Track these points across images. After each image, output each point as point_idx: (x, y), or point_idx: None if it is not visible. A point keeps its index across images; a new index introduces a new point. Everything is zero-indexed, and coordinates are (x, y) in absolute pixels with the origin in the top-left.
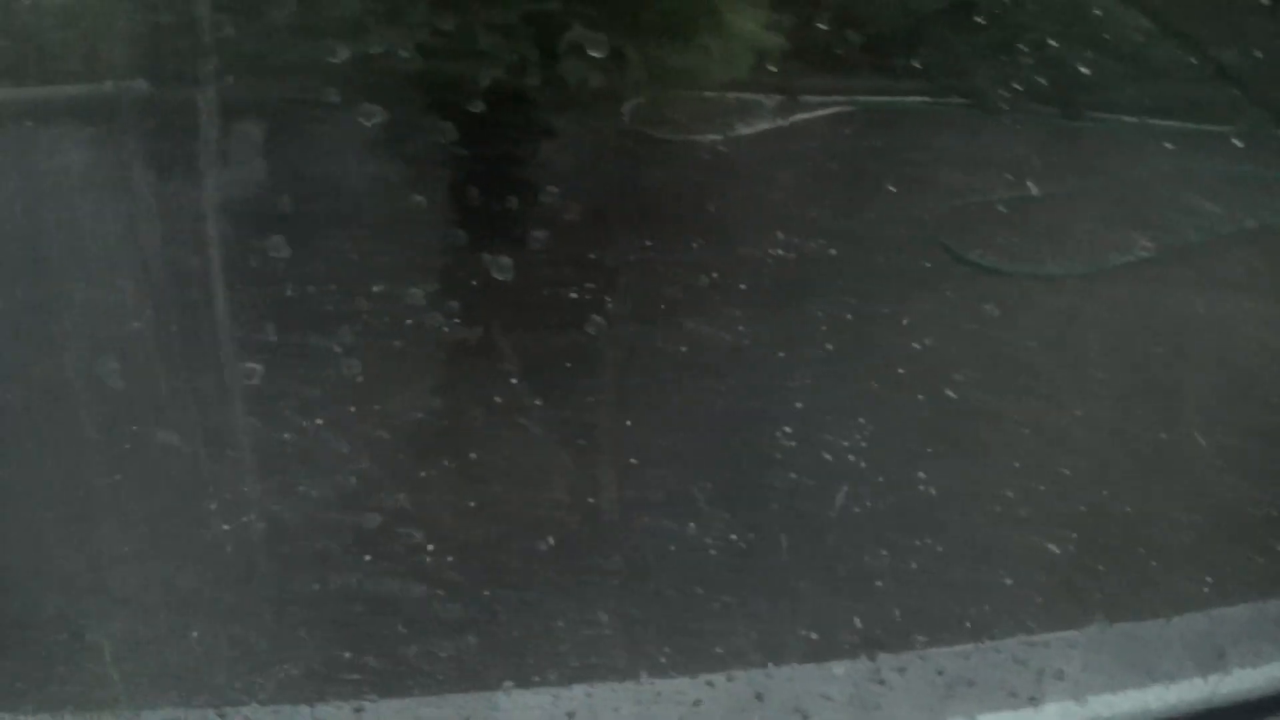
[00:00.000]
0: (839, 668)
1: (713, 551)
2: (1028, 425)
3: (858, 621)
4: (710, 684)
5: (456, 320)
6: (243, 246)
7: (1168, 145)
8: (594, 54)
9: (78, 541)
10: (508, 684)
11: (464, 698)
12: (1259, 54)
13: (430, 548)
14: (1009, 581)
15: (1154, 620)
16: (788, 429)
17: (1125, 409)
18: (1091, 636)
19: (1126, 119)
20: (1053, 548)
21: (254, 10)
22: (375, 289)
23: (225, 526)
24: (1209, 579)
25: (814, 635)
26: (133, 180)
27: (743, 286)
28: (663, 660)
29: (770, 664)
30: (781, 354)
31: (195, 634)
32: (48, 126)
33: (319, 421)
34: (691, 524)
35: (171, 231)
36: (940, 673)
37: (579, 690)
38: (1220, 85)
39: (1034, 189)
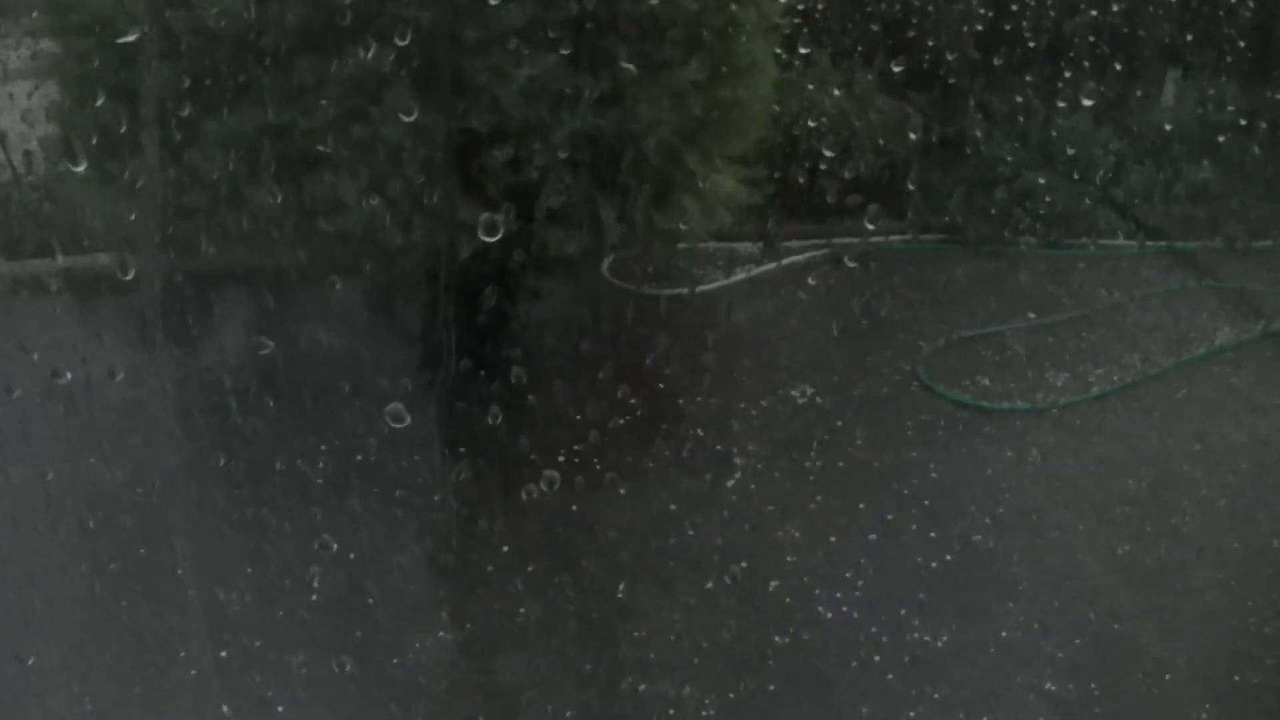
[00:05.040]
0: None
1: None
2: (1029, 570)
3: None
4: None
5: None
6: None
7: (1144, 269)
8: (569, 221)
9: None
10: None
11: None
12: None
13: None
14: None
15: None
16: (776, 582)
17: (1135, 545)
18: None
19: (1105, 242)
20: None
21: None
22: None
23: None
24: None
25: None
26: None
27: (727, 443)
28: None
29: None
30: (770, 507)
31: None
32: (44, 299)
33: None
34: (687, 687)
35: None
36: None
37: None
38: (1198, 203)
39: (1016, 322)
